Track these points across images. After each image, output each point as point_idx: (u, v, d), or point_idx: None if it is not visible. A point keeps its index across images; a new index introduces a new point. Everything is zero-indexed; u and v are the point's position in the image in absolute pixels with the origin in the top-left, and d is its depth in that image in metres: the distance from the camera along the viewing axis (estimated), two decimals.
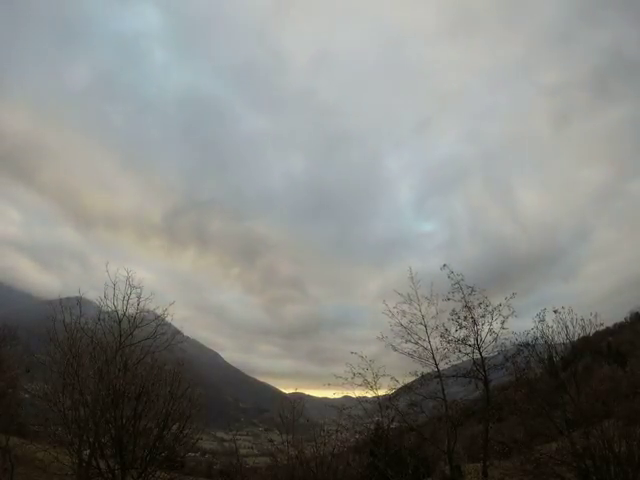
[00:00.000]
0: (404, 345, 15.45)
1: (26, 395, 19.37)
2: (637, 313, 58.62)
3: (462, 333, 15.17)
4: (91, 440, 12.25)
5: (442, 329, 15.28)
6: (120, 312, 14.80)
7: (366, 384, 15.40)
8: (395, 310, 15.48)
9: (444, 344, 15.27)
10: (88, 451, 12.33)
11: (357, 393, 15.91)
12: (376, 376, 15.29)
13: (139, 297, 14.95)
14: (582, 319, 13.77)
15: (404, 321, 15.41)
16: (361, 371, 15.20)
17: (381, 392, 16.00)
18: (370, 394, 16.02)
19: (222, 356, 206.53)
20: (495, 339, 15.02)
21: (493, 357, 15.49)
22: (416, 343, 15.41)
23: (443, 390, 15.32)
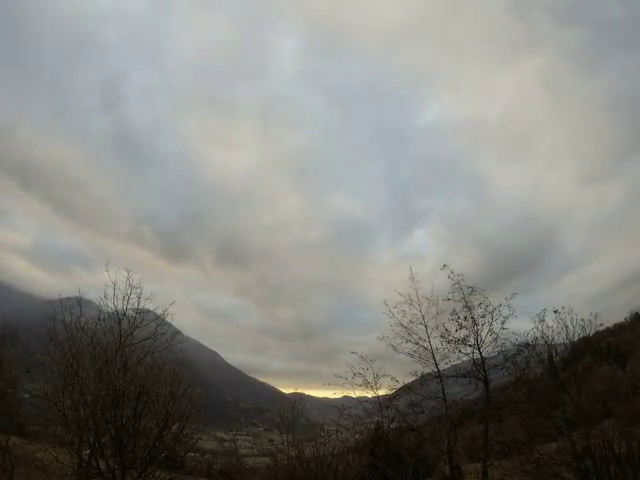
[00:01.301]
0: (404, 345, 15.49)
1: (26, 395, 19.36)
2: (637, 313, 58.68)
3: (462, 333, 15.21)
4: (91, 440, 12.23)
5: (442, 329, 15.31)
6: (120, 312, 14.81)
7: (366, 384, 15.42)
8: (395, 310, 15.52)
9: (444, 344, 15.30)
10: (88, 451, 12.32)
11: (357, 393, 15.94)
12: (376, 376, 15.32)
13: (139, 297, 14.94)
14: (582, 319, 13.80)
15: (404, 321, 15.46)
16: (361, 371, 15.23)
17: (381, 392, 16.02)
18: (370, 394, 16.05)
19: (222, 356, 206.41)
20: (495, 339, 15.05)
21: (493, 357, 15.49)
22: (416, 343, 15.44)
23: (443, 390, 15.32)
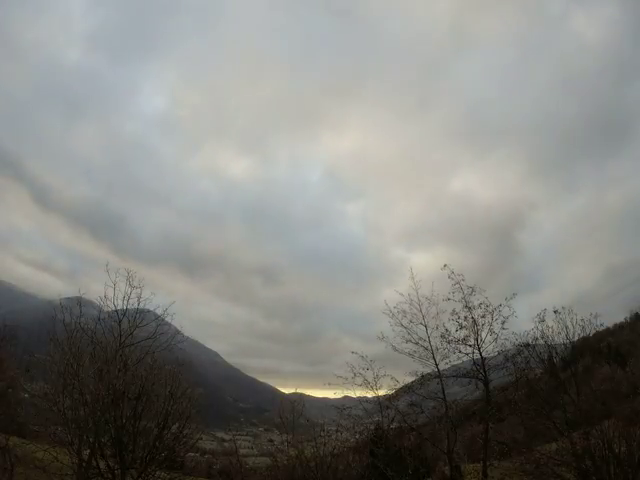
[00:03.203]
0: (404, 345, 15.47)
1: (26, 395, 19.36)
2: (637, 313, 58.64)
3: (462, 333, 15.18)
4: (91, 440, 12.23)
5: (442, 329, 15.29)
6: (120, 312, 14.80)
7: (366, 384, 15.38)
8: (396, 310, 15.51)
9: (444, 344, 15.28)
10: (88, 451, 12.31)
11: (357, 393, 15.89)
12: (376, 376, 15.26)
13: (139, 297, 14.95)
14: (582, 319, 13.82)
15: (404, 321, 15.42)
16: (361, 371, 15.19)
17: (381, 392, 15.99)
18: (370, 394, 16.02)
19: (222, 356, 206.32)
20: (495, 339, 15.03)
21: (493, 357, 15.49)
22: (416, 343, 15.41)
23: (443, 390, 15.30)
